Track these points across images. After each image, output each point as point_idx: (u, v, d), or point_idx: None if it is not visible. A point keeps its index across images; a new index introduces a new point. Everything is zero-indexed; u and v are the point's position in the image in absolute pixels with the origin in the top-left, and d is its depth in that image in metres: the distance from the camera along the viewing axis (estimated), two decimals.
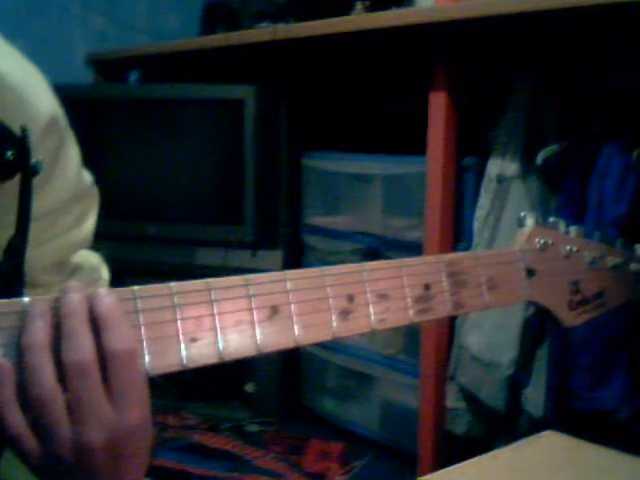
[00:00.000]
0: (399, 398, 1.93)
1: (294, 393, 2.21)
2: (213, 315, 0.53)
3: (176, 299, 0.52)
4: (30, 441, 0.48)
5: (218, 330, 0.53)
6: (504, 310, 1.57)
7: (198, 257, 2.16)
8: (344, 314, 0.58)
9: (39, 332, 0.47)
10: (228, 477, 1.84)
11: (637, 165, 1.39)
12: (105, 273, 0.86)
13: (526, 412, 1.58)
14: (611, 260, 0.77)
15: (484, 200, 1.63)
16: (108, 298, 0.50)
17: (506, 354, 1.58)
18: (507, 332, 1.58)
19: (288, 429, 2.11)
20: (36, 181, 0.63)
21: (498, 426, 1.67)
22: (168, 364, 0.51)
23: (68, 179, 0.74)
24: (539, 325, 1.57)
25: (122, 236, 2.10)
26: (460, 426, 1.71)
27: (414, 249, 1.77)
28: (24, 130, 0.60)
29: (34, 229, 0.64)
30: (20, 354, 0.47)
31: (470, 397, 1.69)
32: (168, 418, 2.10)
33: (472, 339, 1.65)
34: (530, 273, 0.70)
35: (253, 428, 2.10)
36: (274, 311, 0.55)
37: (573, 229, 0.74)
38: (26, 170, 0.60)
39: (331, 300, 0.57)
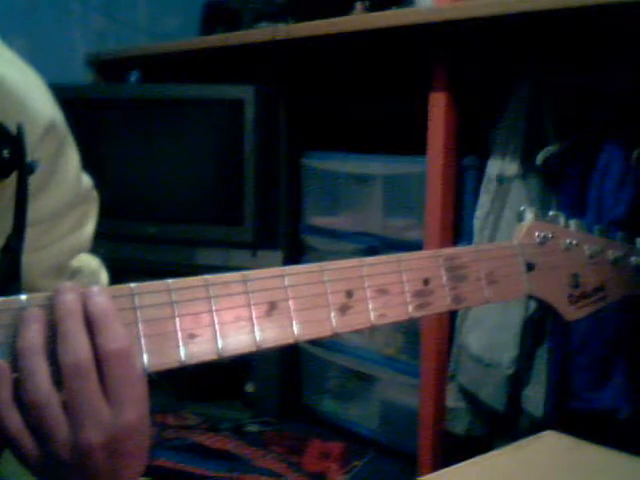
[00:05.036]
0: (399, 398, 1.93)
1: (294, 393, 2.21)
2: (211, 311, 0.52)
3: (174, 296, 0.51)
4: (28, 442, 0.48)
5: (216, 326, 0.52)
6: (504, 309, 1.57)
7: (198, 257, 2.16)
8: (343, 310, 0.58)
9: (34, 336, 0.47)
10: (228, 477, 1.83)
11: (637, 165, 1.39)
12: (104, 277, 0.86)
13: (526, 412, 1.58)
14: (611, 254, 0.77)
15: (484, 200, 1.63)
16: (100, 297, 0.50)
17: (506, 354, 1.58)
18: (507, 332, 1.58)
19: (288, 429, 2.11)
20: (35, 185, 0.63)
21: (498, 426, 1.67)
22: (167, 361, 0.51)
23: (67, 183, 0.74)
24: (539, 325, 1.57)
25: (122, 236, 2.10)
26: (460, 426, 1.71)
27: (414, 249, 1.75)
28: (19, 128, 0.60)
29: (34, 233, 0.64)
30: (16, 358, 0.47)
31: (470, 397, 1.69)
32: (168, 418, 2.10)
33: (472, 339, 1.65)
34: (530, 267, 0.70)
35: (253, 428, 2.10)
36: (272, 307, 0.55)
37: (573, 222, 0.74)
38: (22, 168, 0.60)
39: (330, 296, 0.57)
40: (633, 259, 0.78)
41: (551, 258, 0.72)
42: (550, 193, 1.57)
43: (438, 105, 1.63)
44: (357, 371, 2.03)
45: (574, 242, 0.74)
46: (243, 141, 2.00)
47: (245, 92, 2.00)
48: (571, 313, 0.74)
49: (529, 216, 0.71)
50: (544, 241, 0.71)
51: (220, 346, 0.52)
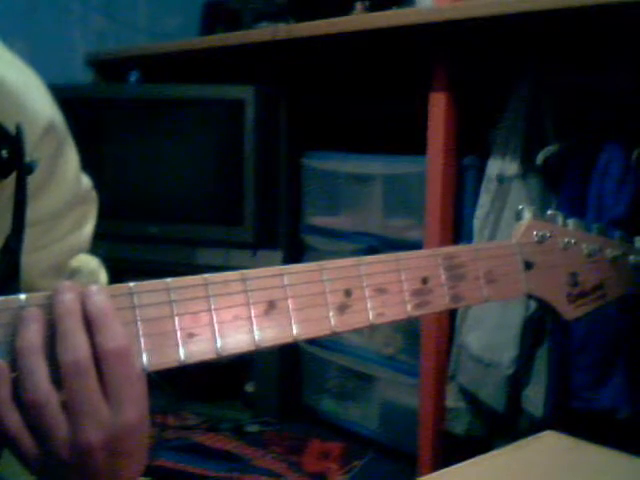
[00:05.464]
0: (399, 398, 1.93)
1: (294, 393, 2.21)
2: (210, 311, 0.52)
3: (173, 295, 0.51)
4: (28, 442, 0.48)
5: (215, 326, 0.52)
6: (504, 309, 1.57)
7: (198, 257, 2.16)
8: (342, 309, 0.58)
9: (33, 335, 0.47)
10: (228, 477, 1.83)
11: (637, 165, 1.39)
12: (103, 277, 0.85)
13: (526, 412, 1.58)
14: (610, 252, 0.77)
15: (484, 200, 1.63)
16: (99, 296, 0.50)
17: (506, 354, 1.58)
18: (507, 332, 1.58)
19: (288, 429, 2.11)
20: (34, 186, 0.63)
21: (498, 426, 1.67)
22: (166, 360, 0.51)
23: (67, 184, 0.74)
24: (539, 325, 1.57)
25: (122, 236, 2.10)
26: (460, 426, 1.71)
27: (414, 249, 1.76)
28: (18, 129, 0.60)
29: (33, 234, 0.64)
30: (15, 357, 0.47)
31: (470, 397, 1.69)
32: (168, 418, 2.10)
33: (472, 339, 1.65)
34: (528, 266, 0.69)
35: (253, 428, 2.10)
36: (271, 306, 0.55)
37: (571, 221, 0.74)
38: (21, 168, 0.60)
39: (328, 295, 0.57)
40: (632, 258, 0.78)
41: (549, 257, 0.72)
42: (550, 193, 1.57)
43: (438, 105, 1.63)
44: (357, 371, 2.03)
45: (572, 241, 0.74)
46: (243, 141, 2.00)
47: (245, 92, 2.00)
48: (570, 312, 0.74)
49: (527, 215, 0.71)
50: (542, 240, 0.71)
51: (219, 345, 0.52)
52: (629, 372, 1.42)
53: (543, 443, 0.94)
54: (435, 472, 0.92)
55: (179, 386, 2.15)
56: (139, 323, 0.50)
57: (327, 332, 0.57)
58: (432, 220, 1.68)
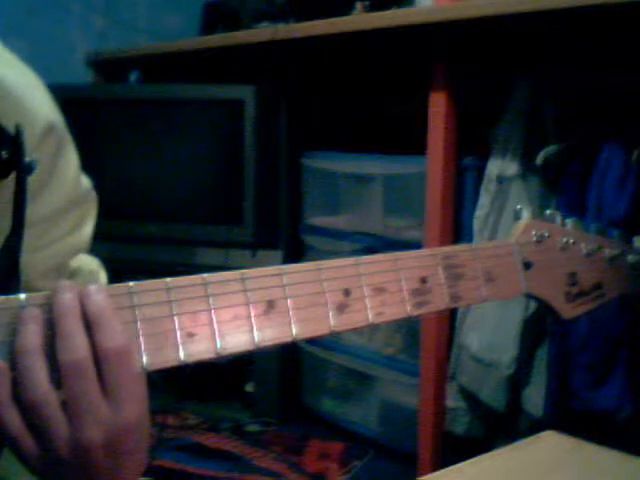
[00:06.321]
0: (399, 398, 1.93)
1: (294, 393, 2.21)
2: (210, 310, 0.52)
3: (172, 294, 0.51)
4: (28, 441, 0.48)
5: (215, 325, 0.52)
6: (504, 310, 1.58)
7: (198, 257, 2.16)
8: (341, 308, 0.58)
9: (32, 335, 0.47)
10: (228, 477, 1.83)
11: (637, 165, 1.39)
12: (103, 277, 0.86)
13: (526, 412, 1.58)
14: (609, 252, 0.77)
15: (484, 200, 1.63)
16: (99, 295, 0.50)
17: (506, 354, 1.58)
18: (507, 332, 1.58)
19: (288, 429, 2.11)
20: (34, 186, 0.63)
21: (498, 426, 1.67)
22: (165, 360, 0.51)
23: (66, 184, 0.75)
24: (539, 325, 1.57)
25: (122, 236, 2.10)
26: (460, 426, 1.71)
27: (414, 249, 1.76)
28: (18, 129, 0.60)
29: (33, 234, 0.64)
30: (14, 357, 0.47)
31: (470, 397, 1.69)
32: (168, 418, 2.10)
33: (472, 339, 1.65)
34: (527, 266, 0.70)
35: (253, 428, 2.10)
36: (270, 306, 0.55)
37: (570, 221, 0.74)
38: (20, 168, 0.60)
39: (327, 294, 0.57)
40: (630, 257, 0.78)
41: (548, 256, 0.72)
42: (550, 193, 1.57)
43: (438, 105, 1.63)
44: (357, 371, 2.03)
45: (571, 240, 0.74)
46: (243, 141, 2.00)
47: (245, 92, 2.00)
48: (568, 311, 0.74)
49: (525, 215, 0.71)
50: (541, 240, 0.71)
51: (219, 345, 0.52)
52: (629, 372, 1.42)
53: (543, 443, 0.94)
54: (435, 472, 0.92)
55: (179, 386, 2.15)
56: (139, 323, 0.50)
57: (326, 332, 0.57)
58: (432, 220, 1.68)
